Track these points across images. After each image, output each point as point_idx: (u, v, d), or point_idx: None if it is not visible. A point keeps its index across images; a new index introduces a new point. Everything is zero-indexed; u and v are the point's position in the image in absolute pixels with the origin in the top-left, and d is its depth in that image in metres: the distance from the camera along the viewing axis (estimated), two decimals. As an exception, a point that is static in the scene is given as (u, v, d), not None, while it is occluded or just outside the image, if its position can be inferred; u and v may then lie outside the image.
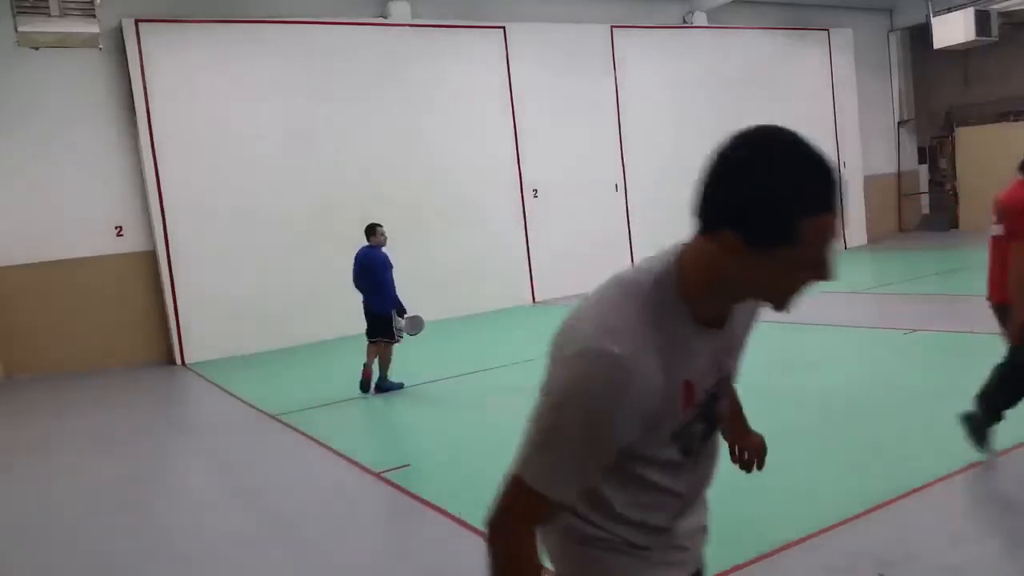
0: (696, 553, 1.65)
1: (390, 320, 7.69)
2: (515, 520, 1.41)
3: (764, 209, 1.24)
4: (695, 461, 1.53)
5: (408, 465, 5.54)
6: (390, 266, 7.73)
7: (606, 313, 1.36)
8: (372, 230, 7.85)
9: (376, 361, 7.81)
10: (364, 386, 7.78)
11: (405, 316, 7.75)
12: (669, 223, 15.64)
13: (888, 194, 18.47)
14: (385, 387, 7.81)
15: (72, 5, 8.07)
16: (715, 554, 3.73)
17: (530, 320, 12.01)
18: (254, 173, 11.10)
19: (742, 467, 1.97)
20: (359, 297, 8.26)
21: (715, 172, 1.33)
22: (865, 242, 17.27)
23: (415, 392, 7.82)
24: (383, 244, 7.82)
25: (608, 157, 14.03)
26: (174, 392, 9.57)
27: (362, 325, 11.88)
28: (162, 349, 10.87)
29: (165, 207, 10.65)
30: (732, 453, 1.98)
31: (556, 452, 1.34)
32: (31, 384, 9.86)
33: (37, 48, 8.56)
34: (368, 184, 11.82)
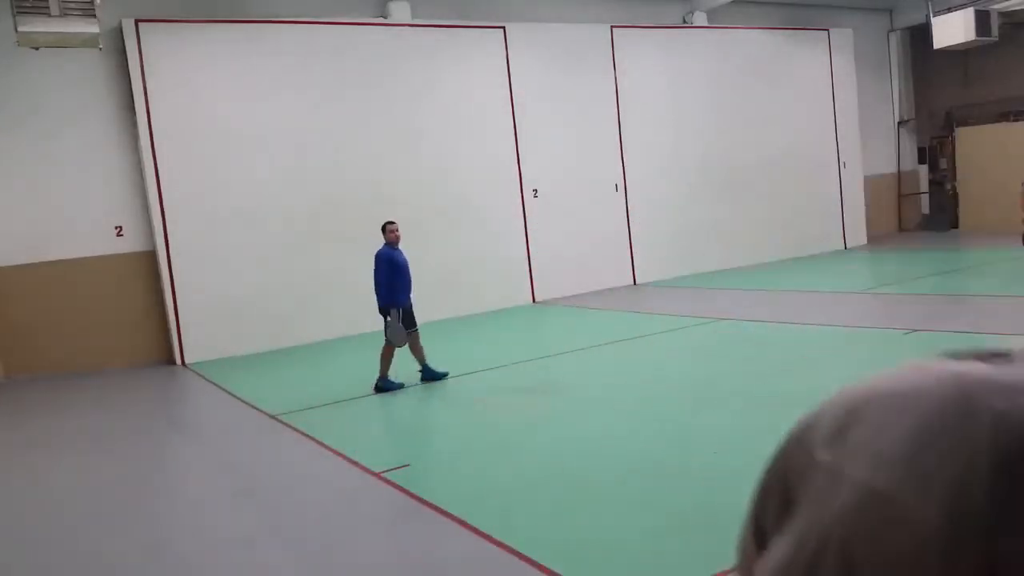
0: None
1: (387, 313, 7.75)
2: None
3: None
4: None
5: (408, 465, 5.54)
6: (389, 265, 7.74)
7: (927, 442, 0.83)
8: (382, 228, 7.98)
9: (401, 357, 7.90)
10: (426, 374, 7.98)
11: (388, 322, 7.73)
12: (669, 223, 15.72)
13: (888, 194, 18.47)
14: (383, 386, 7.81)
15: (72, 5, 8.07)
16: (715, 554, 3.74)
17: (530, 320, 12.01)
18: (254, 173, 11.11)
19: None
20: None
21: None
22: (865, 242, 17.27)
23: (415, 392, 7.82)
24: (391, 242, 7.87)
25: (608, 157, 14.03)
26: (174, 392, 9.57)
27: (362, 324, 11.91)
28: (162, 349, 10.86)
29: (165, 207, 10.65)
30: None
31: None
32: (31, 384, 9.86)
33: (37, 48, 8.56)
34: (368, 184, 11.83)
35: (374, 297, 7.91)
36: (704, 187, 14.88)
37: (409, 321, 7.80)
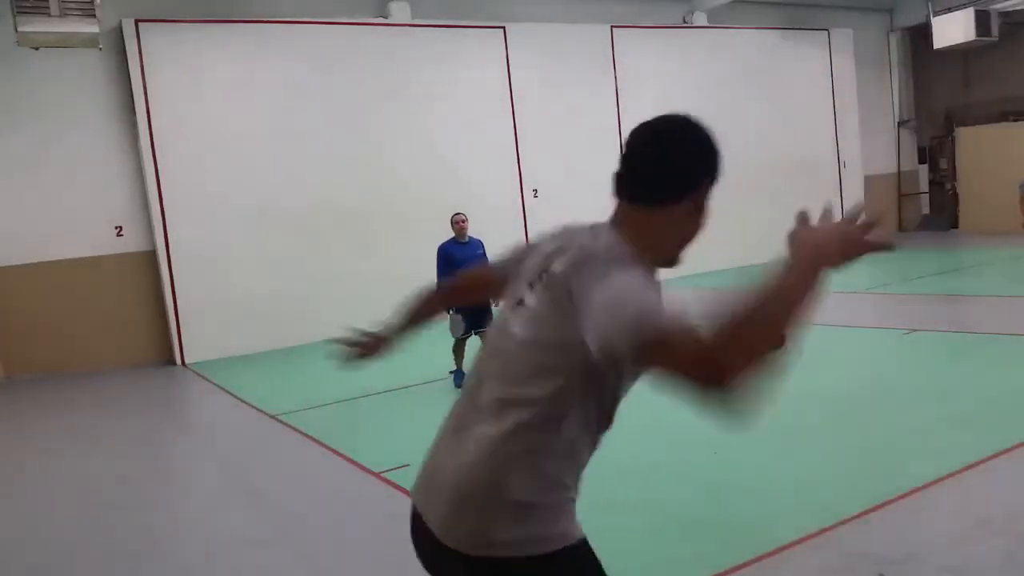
0: None
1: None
2: (701, 350, 1.39)
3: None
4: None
5: (408, 465, 5.53)
6: (443, 260, 7.49)
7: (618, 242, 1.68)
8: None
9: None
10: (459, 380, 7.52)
11: (450, 315, 7.30)
12: (669, 223, 15.59)
13: (888, 194, 18.46)
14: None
15: (72, 5, 8.07)
16: (715, 554, 3.74)
17: (530, 320, 12.00)
18: (254, 173, 11.10)
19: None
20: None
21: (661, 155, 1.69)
22: (865, 242, 17.25)
23: (415, 392, 7.82)
24: (456, 234, 7.63)
25: (608, 157, 13.84)
26: (174, 392, 9.56)
27: (366, 324, 11.84)
28: (162, 349, 10.86)
29: (165, 207, 10.65)
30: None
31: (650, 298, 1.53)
32: (31, 384, 9.85)
33: (37, 48, 8.56)
34: (368, 184, 11.82)
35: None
36: (704, 187, 14.87)
37: (472, 322, 7.28)
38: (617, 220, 1.72)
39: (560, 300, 1.59)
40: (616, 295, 1.49)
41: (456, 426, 1.72)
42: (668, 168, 1.66)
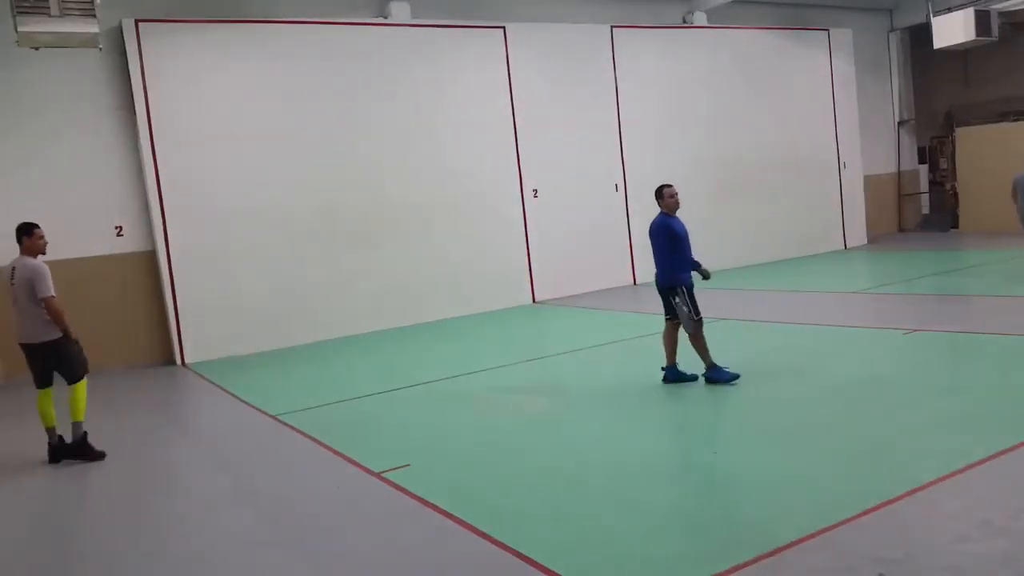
0: None
1: (670, 293, 6.87)
2: None
3: None
4: None
5: (408, 465, 5.54)
6: (667, 236, 6.89)
7: None
8: (657, 193, 6.98)
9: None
10: (667, 374, 6.94)
11: (676, 304, 6.79)
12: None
13: (888, 194, 18.48)
14: (710, 376, 6.81)
15: (72, 5, 8.05)
16: (715, 554, 3.74)
17: (530, 320, 12.01)
18: (254, 173, 11.10)
19: None
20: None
21: None
22: (865, 242, 17.26)
23: (414, 392, 7.82)
24: (668, 208, 6.97)
25: (608, 157, 14.02)
26: (174, 392, 9.56)
27: (362, 325, 11.89)
28: (162, 349, 10.86)
29: (165, 207, 10.65)
30: None
31: None
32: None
33: (37, 48, 8.54)
34: (368, 184, 11.83)
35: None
36: (704, 187, 14.86)
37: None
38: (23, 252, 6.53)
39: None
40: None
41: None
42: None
